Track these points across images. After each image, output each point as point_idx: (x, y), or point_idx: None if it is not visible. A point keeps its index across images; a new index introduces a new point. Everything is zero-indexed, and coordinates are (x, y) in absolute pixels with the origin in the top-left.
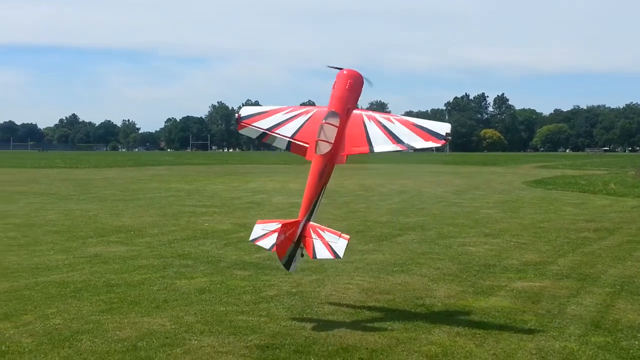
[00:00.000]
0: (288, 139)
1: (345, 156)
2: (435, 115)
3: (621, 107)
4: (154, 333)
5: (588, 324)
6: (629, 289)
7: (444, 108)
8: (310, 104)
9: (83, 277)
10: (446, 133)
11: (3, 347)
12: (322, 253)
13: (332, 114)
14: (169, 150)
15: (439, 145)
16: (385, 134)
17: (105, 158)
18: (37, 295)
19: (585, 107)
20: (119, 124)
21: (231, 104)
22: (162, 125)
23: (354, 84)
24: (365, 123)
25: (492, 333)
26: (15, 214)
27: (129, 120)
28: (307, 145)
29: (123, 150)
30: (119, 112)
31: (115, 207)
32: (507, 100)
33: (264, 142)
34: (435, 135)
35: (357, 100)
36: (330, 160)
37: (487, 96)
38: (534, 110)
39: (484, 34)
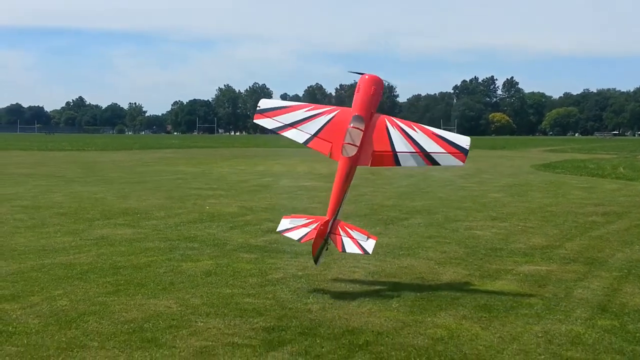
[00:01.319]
0: (310, 135)
1: (370, 159)
2: (443, 98)
3: (631, 90)
4: (160, 315)
5: (595, 307)
6: (636, 272)
7: (452, 91)
8: (318, 87)
9: (90, 259)
10: (466, 145)
11: (10, 328)
12: (351, 247)
13: (358, 118)
14: (175, 133)
15: (462, 164)
16: (408, 141)
17: (112, 141)
18: (44, 277)
19: (595, 91)
20: (125, 107)
21: (238, 87)
22: (169, 109)
23: (377, 89)
24: (388, 129)
25: (499, 316)
26: (22, 196)
27: (135, 103)
28: (330, 143)
29: (130, 133)
30: (126, 95)
31: (122, 190)
32: (517, 83)
33: (279, 134)
34: (457, 147)
35: (378, 104)
36: (355, 162)
37: (496, 79)
38: (543, 94)
39: (493, 16)
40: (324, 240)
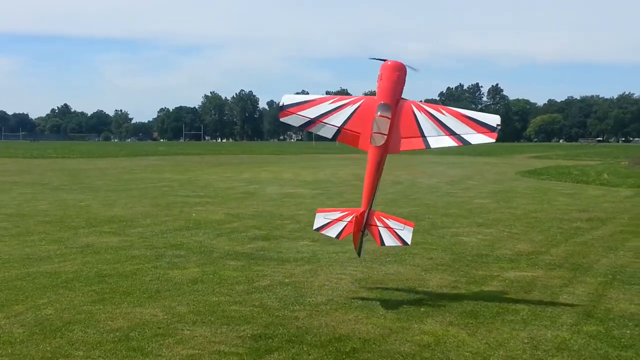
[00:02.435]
0: (337, 128)
1: (400, 148)
2: None
3: (615, 97)
4: (146, 323)
5: (580, 313)
6: (621, 278)
7: (438, 98)
8: (304, 94)
9: (75, 267)
10: (497, 124)
11: None
12: (389, 241)
13: (384, 106)
14: (161, 140)
15: (492, 140)
16: (436, 124)
17: (97, 148)
18: (29, 286)
19: (578, 98)
20: (111, 114)
21: (224, 94)
22: (155, 116)
23: (401, 75)
24: (415, 114)
25: (485, 322)
26: (7, 204)
27: (121, 110)
28: (358, 134)
29: (116, 140)
30: (112, 102)
31: (108, 198)
32: (501, 90)
33: (307, 130)
34: (487, 127)
35: (403, 90)
36: (384, 151)
37: (482, 86)
38: (527, 101)
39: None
40: (361, 232)
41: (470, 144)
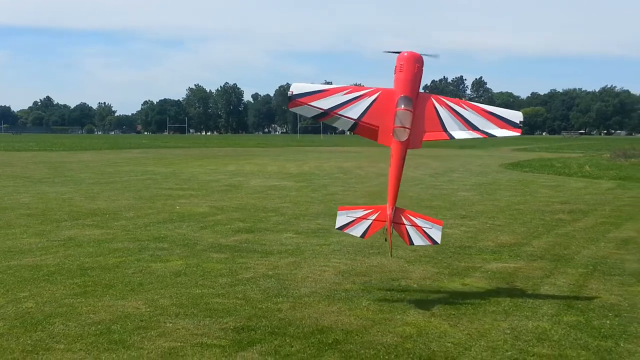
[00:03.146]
0: (354, 121)
1: (422, 141)
2: None
3: (597, 90)
4: (128, 316)
5: (561, 303)
6: (601, 269)
7: (423, 91)
8: (289, 87)
9: (57, 260)
10: (520, 121)
11: None
12: (419, 240)
13: (405, 99)
14: (146, 133)
15: (517, 134)
16: (458, 119)
17: (80, 141)
18: (10, 279)
19: (561, 91)
20: (94, 106)
21: (209, 87)
22: (139, 108)
23: (420, 68)
24: (436, 108)
25: (467, 313)
26: None
27: (105, 102)
28: (376, 128)
29: (99, 133)
30: (95, 95)
31: (91, 190)
32: (485, 83)
33: (321, 121)
34: (510, 123)
35: (420, 83)
36: (407, 146)
37: (465, 79)
38: (511, 94)
39: (462, 16)
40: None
41: (495, 137)
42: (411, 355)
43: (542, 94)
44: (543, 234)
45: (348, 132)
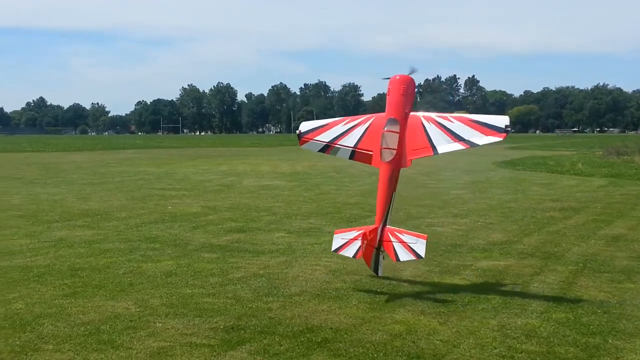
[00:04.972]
0: (351, 149)
1: (410, 160)
2: None
3: (589, 88)
4: (118, 316)
5: (550, 301)
6: (591, 266)
7: (416, 90)
8: (282, 86)
9: (47, 261)
10: (505, 125)
11: None
12: (404, 256)
13: (391, 121)
14: (139, 133)
15: (500, 139)
16: (445, 132)
17: (74, 142)
18: None
19: (554, 89)
20: (88, 107)
21: (202, 87)
22: (133, 109)
23: (407, 89)
24: (424, 125)
25: (456, 311)
26: None
27: (98, 103)
28: (371, 153)
29: (93, 133)
30: (88, 95)
31: (83, 191)
32: (478, 81)
33: (326, 154)
34: (495, 129)
35: (412, 103)
36: (396, 166)
37: (459, 78)
38: (504, 92)
39: (454, 14)
40: (375, 249)
41: (477, 145)
42: (400, 353)
43: (535, 92)
44: (534, 231)
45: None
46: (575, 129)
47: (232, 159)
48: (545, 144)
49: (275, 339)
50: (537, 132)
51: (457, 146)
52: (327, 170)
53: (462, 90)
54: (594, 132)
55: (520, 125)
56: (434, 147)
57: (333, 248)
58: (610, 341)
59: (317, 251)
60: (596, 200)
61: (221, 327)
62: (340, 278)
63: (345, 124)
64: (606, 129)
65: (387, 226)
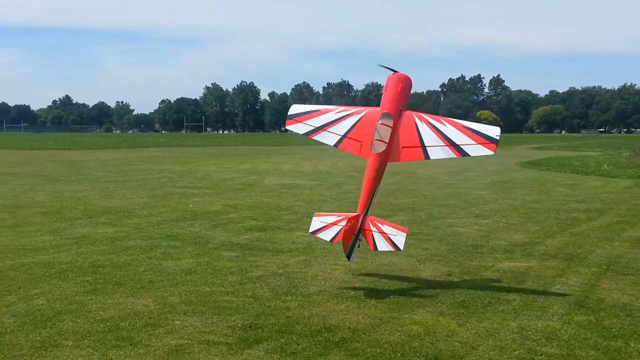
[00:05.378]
0: (340, 136)
1: (399, 155)
2: (431, 96)
3: (616, 88)
4: (137, 313)
5: (572, 303)
6: (614, 268)
7: (440, 89)
8: (305, 85)
9: (69, 258)
10: (497, 135)
11: None
12: (382, 245)
13: (386, 115)
14: (163, 132)
15: (491, 153)
16: (436, 134)
17: (98, 140)
18: (22, 276)
19: (580, 89)
20: (113, 105)
21: (226, 86)
22: (157, 107)
23: (404, 87)
24: (417, 124)
25: (476, 312)
26: (4, 196)
27: (122, 101)
28: (360, 143)
29: (117, 132)
30: (113, 94)
31: (106, 189)
32: (503, 81)
33: (311, 138)
34: (487, 138)
35: (407, 102)
36: (384, 159)
37: (483, 77)
38: (529, 92)
39: (480, 13)
40: (354, 235)
41: (469, 155)
42: (417, 353)
43: (561, 92)
44: (557, 232)
45: (332, 146)
46: (601, 130)
47: (255, 157)
48: (570, 145)
49: (293, 338)
50: (563, 132)
51: (448, 152)
52: (349, 169)
53: (486, 90)
54: (620, 132)
55: (545, 125)
56: (424, 148)
57: (311, 230)
58: (632, 345)
59: (336, 251)
60: (621, 201)
61: (239, 325)
62: (359, 278)
63: (337, 112)
64: (633, 129)
65: (369, 215)
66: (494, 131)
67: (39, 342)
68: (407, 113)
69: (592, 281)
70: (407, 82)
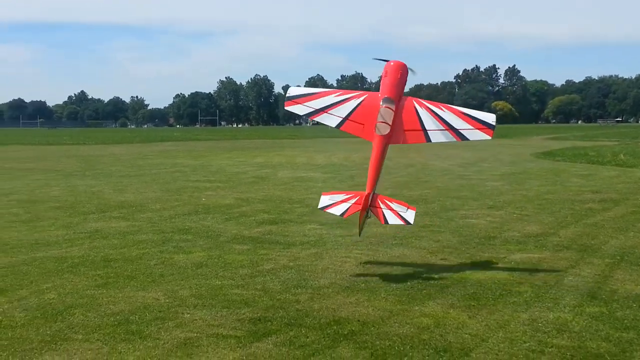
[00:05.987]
0: (342, 118)
1: (402, 137)
2: (445, 87)
3: (634, 77)
4: (147, 307)
5: (584, 294)
6: (628, 259)
7: (454, 80)
8: (319, 78)
9: (82, 252)
10: (493, 122)
11: None
12: (393, 219)
13: (388, 99)
14: (177, 126)
15: (489, 137)
16: (435, 119)
17: (113, 135)
18: (34, 271)
19: (597, 78)
20: (127, 100)
21: (239, 80)
22: (171, 102)
23: (403, 74)
24: (416, 108)
25: (487, 304)
26: (19, 191)
27: (137, 96)
28: (362, 125)
29: (132, 126)
30: (128, 89)
31: (120, 183)
32: (519, 71)
33: (312, 119)
34: (484, 124)
35: (404, 88)
36: (388, 140)
37: (498, 68)
38: (545, 82)
39: (495, 4)
40: (365, 212)
41: (468, 139)
42: (427, 346)
43: (577, 81)
44: (571, 223)
45: (331, 127)
46: (618, 119)
47: (268, 150)
48: (586, 134)
49: (302, 330)
50: (579, 122)
51: (448, 135)
52: (363, 162)
53: (501, 81)
54: (638, 122)
55: (561, 115)
56: (425, 132)
57: (320, 206)
58: None
59: (348, 243)
60: (637, 191)
61: (248, 318)
62: (370, 270)
63: (337, 95)
64: None
65: (377, 193)
66: (490, 117)
67: (49, 335)
68: (407, 99)
69: (606, 272)
70: (404, 69)
